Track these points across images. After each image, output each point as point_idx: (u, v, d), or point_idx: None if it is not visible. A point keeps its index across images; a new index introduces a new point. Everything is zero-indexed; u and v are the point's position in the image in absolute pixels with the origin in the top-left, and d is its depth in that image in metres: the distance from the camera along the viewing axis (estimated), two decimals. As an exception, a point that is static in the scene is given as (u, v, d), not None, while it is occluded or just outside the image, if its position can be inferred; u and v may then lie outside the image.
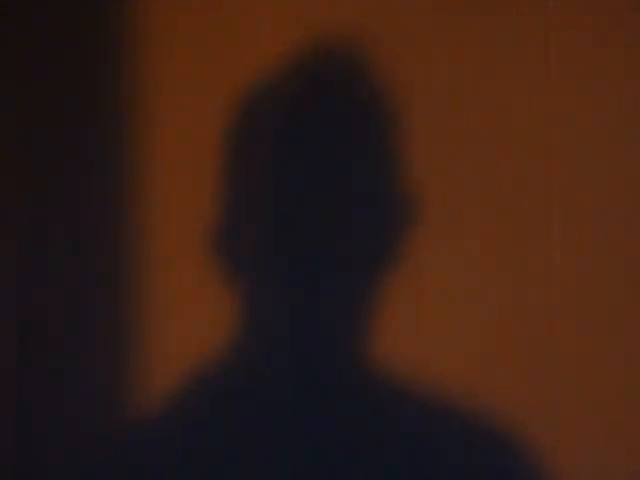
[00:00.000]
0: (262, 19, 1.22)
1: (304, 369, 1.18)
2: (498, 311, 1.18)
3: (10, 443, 1.20)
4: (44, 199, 1.22)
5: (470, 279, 1.19)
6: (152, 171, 1.22)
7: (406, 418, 1.17)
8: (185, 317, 1.20)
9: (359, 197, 1.20)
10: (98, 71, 1.23)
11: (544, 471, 1.16)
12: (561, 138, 1.20)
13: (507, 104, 1.20)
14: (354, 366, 1.18)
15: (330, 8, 1.21)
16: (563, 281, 1.19)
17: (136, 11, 1.23)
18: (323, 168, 1.20)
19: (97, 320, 1.21)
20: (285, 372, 1.19)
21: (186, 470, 1.19)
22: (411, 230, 1.18)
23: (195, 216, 1.20)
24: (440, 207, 1.19)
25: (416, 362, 1.18)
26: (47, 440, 1.20)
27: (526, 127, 1.20)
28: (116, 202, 1.22)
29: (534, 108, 1.20)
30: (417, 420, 1.17)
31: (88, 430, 1.20)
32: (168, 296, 1.21)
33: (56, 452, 1.20)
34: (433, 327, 1.19)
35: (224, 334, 1.19)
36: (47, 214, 1.22)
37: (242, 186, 1.20)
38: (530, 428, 1.16)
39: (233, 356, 1.19)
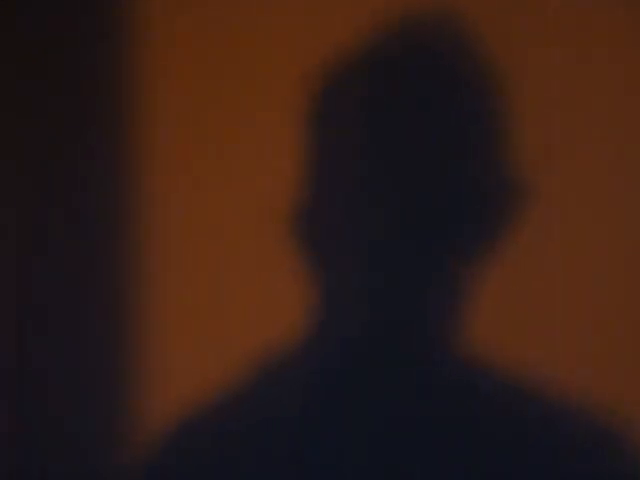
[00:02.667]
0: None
1: (387, 359, 1.16)
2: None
3: (10, 442, 1.21)
4: (44, 194, 1.23)
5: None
6: (174, 168, 1.22)
7: (488, 404, 1.15)
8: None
9: (453, 189, 1.17)
10: (98, 63, 1.23)
11: None
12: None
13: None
14: (446, 359, 1.16)
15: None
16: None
17: (142, 11, 1.23)
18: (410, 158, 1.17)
19: (102, 320, 1.21)
20: (369, 362, 1.17)
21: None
22: (510, 221, 1.17)
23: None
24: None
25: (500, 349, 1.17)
26: (47, 443, 1.21)
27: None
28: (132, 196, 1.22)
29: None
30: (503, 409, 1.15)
31: (91, 431, 1.20)
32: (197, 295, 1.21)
33: (56, 453, 1.21)
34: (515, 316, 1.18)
35: (299, 325, 1.18)
36: (48, 214, 1.23)
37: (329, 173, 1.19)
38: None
39: (310, 347, 1.18)
